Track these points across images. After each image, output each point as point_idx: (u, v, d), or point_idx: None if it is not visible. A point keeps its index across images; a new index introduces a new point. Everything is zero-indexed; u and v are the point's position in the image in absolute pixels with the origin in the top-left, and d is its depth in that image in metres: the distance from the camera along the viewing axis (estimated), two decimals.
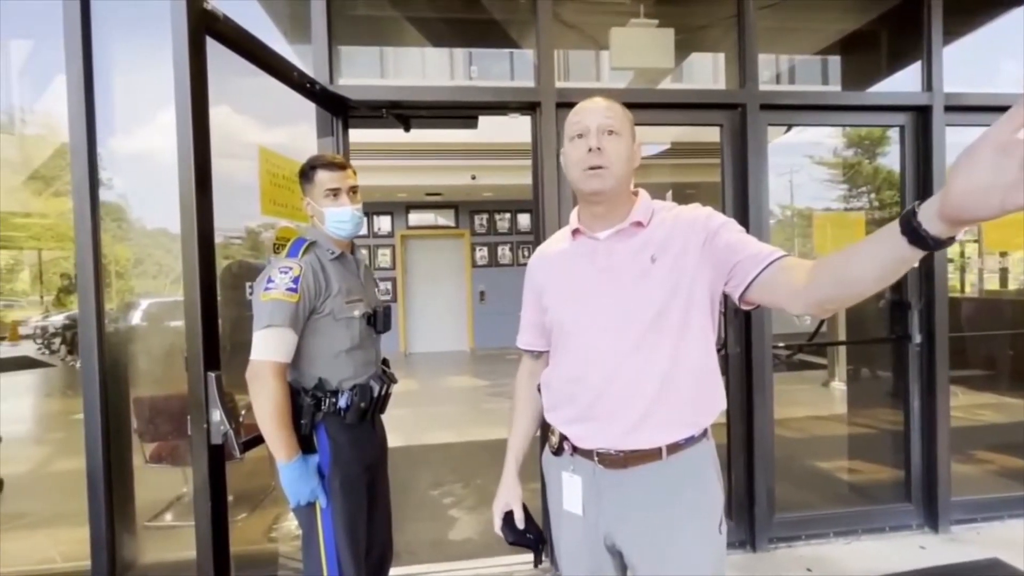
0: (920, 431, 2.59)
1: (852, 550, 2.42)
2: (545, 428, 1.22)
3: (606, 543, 1.08)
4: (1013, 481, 2.82)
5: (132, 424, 2.36)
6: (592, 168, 1.01)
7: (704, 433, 1.06)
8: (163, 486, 2.63)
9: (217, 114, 2.04)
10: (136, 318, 2.54)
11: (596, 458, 1.05)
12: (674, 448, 1.01)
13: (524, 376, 1.27)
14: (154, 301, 2.57)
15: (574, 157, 1.04)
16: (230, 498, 2.51)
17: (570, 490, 1.09)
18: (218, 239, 2.30)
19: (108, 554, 2.07)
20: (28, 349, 5.10)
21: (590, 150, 1.01)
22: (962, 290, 3.82)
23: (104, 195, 2.37)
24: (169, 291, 2.53)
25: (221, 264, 2.14)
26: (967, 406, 3.37)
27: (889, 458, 2.76)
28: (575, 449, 1.08)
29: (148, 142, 2.30)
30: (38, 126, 2.97)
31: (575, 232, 1.11)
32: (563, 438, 1.11)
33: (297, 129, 2.26)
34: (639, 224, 1.05)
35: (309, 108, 2.17)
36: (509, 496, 1.19)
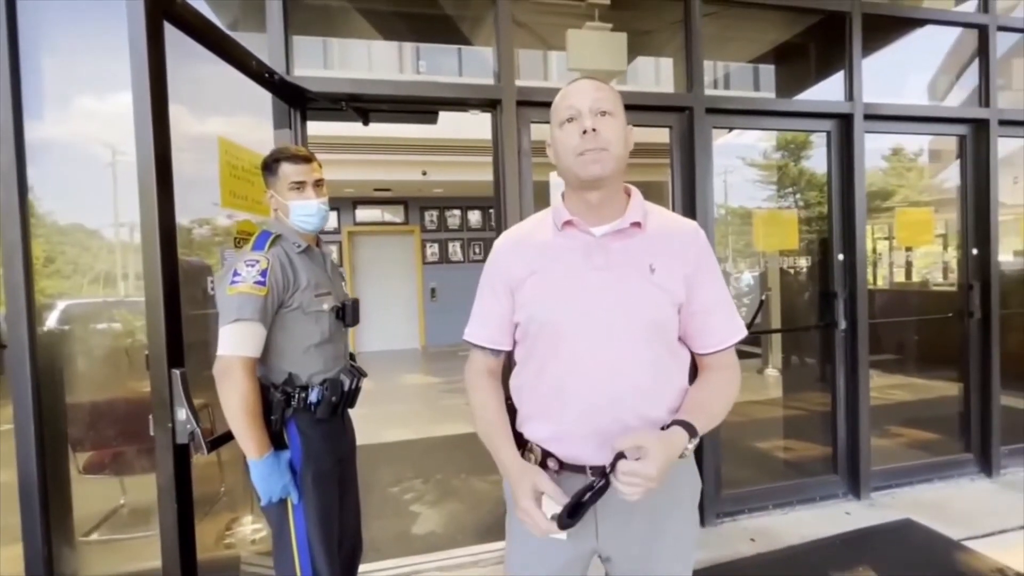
0: (845, 409, 2.86)
1: (789, 519, 2.64)
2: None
3: (598, 557, 1.05)
4: (920, 451, 3.17)
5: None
6: (589, 151, 0.94)
7: None
8: (95, 498, 2.47)
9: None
10: (52, 321, 2.37)
11: (589, 472, 0.98)
12: None
13: (483, 373, 1.11)
14: (73, 303, 2.40)
15: (567, 143, 0.96)
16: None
17: (552, 513, 0.95)
18: None
19: (45, 571, 1.94)
20: None
21: (584, 132, 0.94)
22: (874, 282, 4.19)
23: None
24: (87, 292, 2.36)
25: None
26: (881, 387, 3.72)
27: (819, 435, 3.03)
28: (562, 466, 1.00)
29: (61, 129, 2.12)
30: None
31: (566, 223, 1.01)
32: (546, 455, 1.01)
33: (238, 119, 2.15)
34: (637, 225, 1.00)
35: (257, 99, 2.08)
36: (531, 476, 0.94)
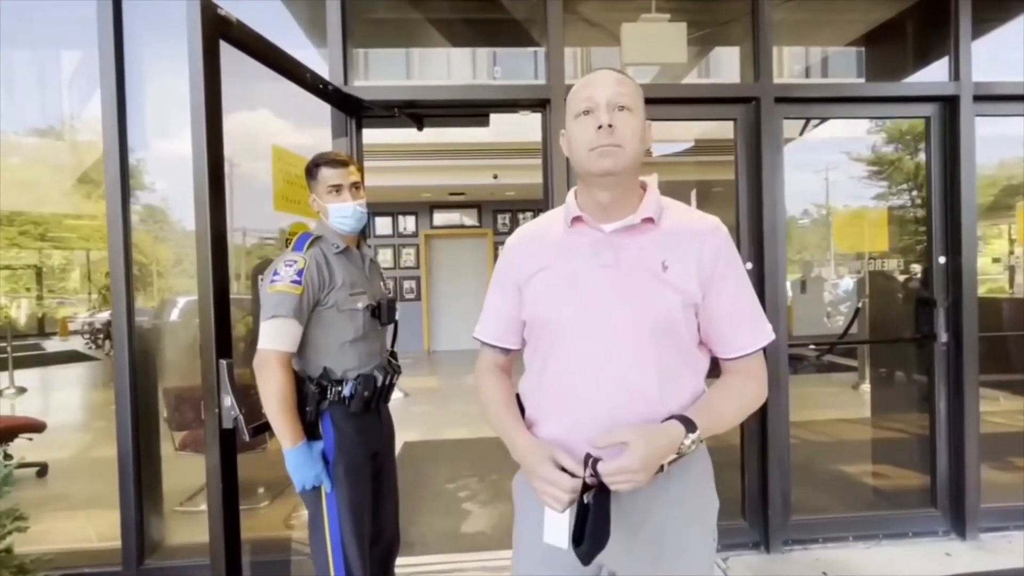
0: (947, 434, 2.49)
1: (872, 555, 2.35)
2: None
3: (599, 572, 1.00)
4: None
5: (162, 413, 2.50)
6: (602, 147, 0.90)
7: None
8: (193, 473, 2.76)
9: (253, 118, 2.12)
10: (174, 315, 2.68)
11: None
12: (674, 459, 0.91)
13: (490, 368, 1.09)
14: (191, 299, 2.70)
15: (581, 137, 0.93)
16: (260, 490, 2.62)
17: (554, 519, 0.93)
18: (252, 240, 2.40)
19: (137, 535, 2.19)
20: (76, 344, 5.45)
21: (600, 128, 0.90)
22: (1011, 289, 3.63)
23: (147, 198, 2.50)
24: None
25: (253, 263, 2.24)
26: (1009, 411, 3.21)
27: (915, 462, 2.66)
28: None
29: (188, 146, 2.40)
30: (87, 131, 3.15)
31: (576, 220, 0.98)
32: None
33: (324, 131, 2.32)
34: (650, 220, 0.95)
35: (322, 109, 2.22)
36: (546, 449, 0.91)
